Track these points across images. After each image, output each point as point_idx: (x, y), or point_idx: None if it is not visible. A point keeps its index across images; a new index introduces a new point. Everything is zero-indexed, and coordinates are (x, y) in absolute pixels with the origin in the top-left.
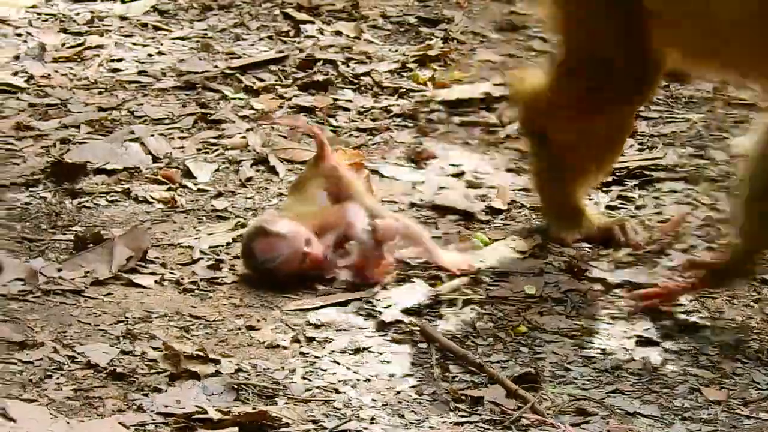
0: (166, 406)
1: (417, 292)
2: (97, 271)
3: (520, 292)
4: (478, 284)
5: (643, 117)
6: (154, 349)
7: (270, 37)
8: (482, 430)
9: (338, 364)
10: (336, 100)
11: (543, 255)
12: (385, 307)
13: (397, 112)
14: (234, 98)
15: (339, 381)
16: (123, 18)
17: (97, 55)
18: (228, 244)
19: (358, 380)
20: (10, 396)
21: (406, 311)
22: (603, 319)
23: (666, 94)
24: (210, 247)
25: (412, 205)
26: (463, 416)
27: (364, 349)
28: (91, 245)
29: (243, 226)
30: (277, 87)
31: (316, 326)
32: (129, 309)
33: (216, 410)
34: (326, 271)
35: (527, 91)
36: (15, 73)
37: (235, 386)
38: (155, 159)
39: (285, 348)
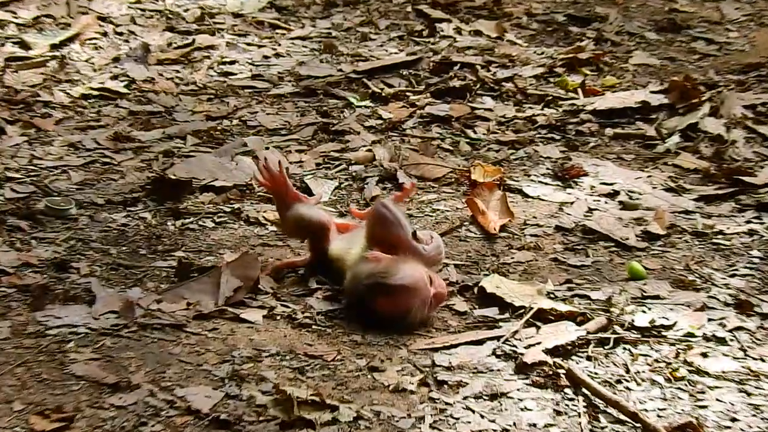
0: None
1: (562, 330)
2: (201, 303)
3: (679, 330)
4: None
5: None
6: (264, 393)
7: (401, 38)
8: None
9: (472, 411)
10: (474, 108)
11: (705, 287)
12: (526, 347)
13: (542, 123)
14: (359, 106)
15: (473, 431)
16: (236, 15)
17: (207, 57)
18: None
19: (495, 430)
20: None
21: (550, 351)
22: None
23: None
24: (329, 280)
25: (559, 228)
26: None
27: (502, 394)
28: (196, 273)
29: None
30: (408, 93)
31: (448, 368)
32: (236, 347)
33: None
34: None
35: None
36: (115, 77)
37: None
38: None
39: (412, 392)
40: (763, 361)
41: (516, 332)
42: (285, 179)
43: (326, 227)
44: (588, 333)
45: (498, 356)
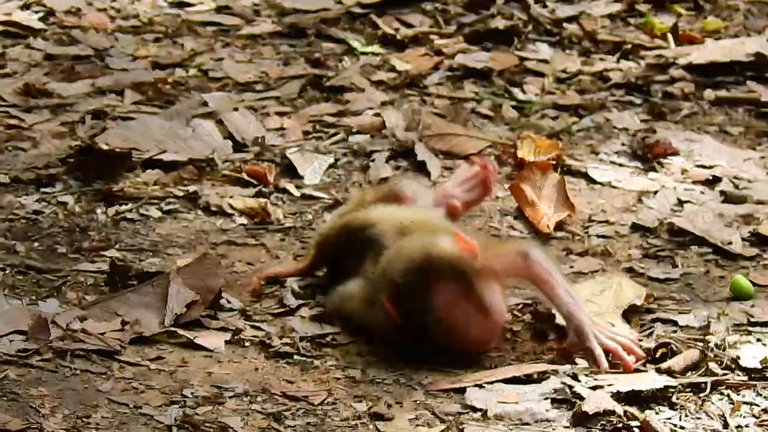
0: None
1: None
2: (141, 322)
3: None
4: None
5: None
6: None
7: None
8: None
9: None
10: (524, 59)
11: None
12: (589, 389)
13: (617, 81)
14: (364, 53)
15: None
16: None
17: None
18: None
19: None
20: None
21: (622, 397)
22: None
23: None
24: (319, 292)
25: (636, 227)
26: None
27: None
28: (134, 282)
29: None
30: (432, 36)
31: (478, 417)
32: (189, 383)
33: None
34: None
35: None
36: (26, 6)
37: None
38: (238, 147)
39: None
40: None
41: (573, 368)
42: None
43: None
44: (674, 373)
45: (550, 400)
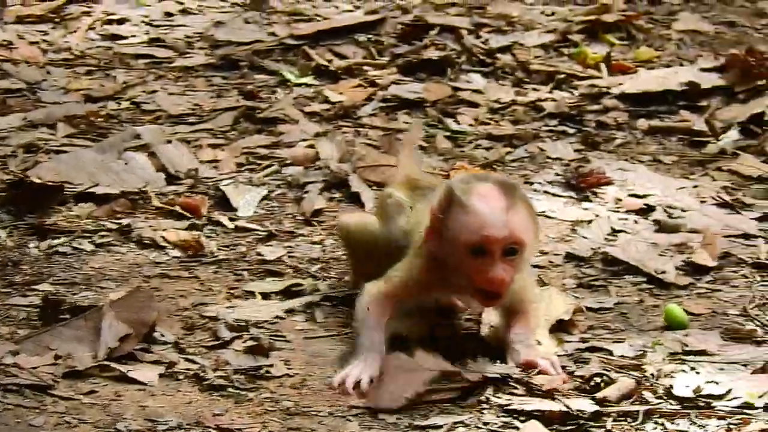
0: None
1: (570, 397)
2: (74, 356)
3: (732, 399)
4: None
5: None
6: None
7: None
8: None
9: None
10: (457, 90)
11: None
12: (523, 416)
13: (551, 111)
14: (298, 84)
15: None
16: None
17: (87, 14)
18: (281, 317)
19: None
20: None
21: (551, 422)
22: None
23: None
24: (252, 322)
25: (571, 257)
26: None
27: None
28: (67, 315)
29: (311, 288)
30: (366, 67)
31: None
32: (122, 416)
33: None
34: None
35: None
36: None
37: None
38: (171, 179)
39: None
40: None
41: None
42: None
43: None
44: (608, 402)
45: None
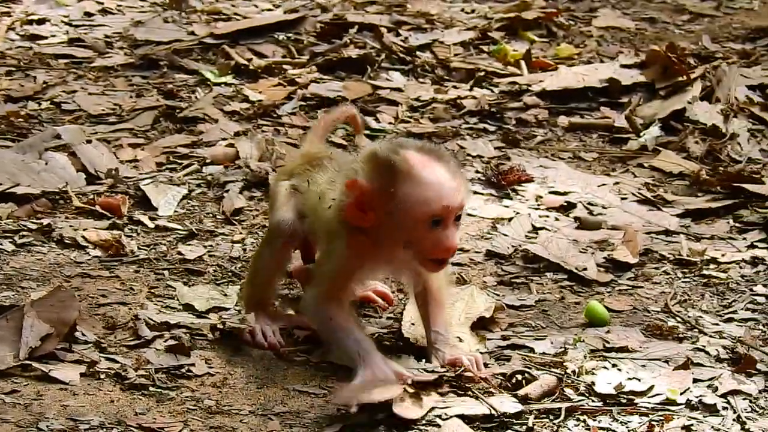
0: None
1: (493, 395)
2: None
3: (654, 396)
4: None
5: None
6: None
7: None
8: None
9: None
10: (377, 88)
11: (691, 336)
12: (441, 418)
13: (471, 109)
14: (218, 83)
15: None
16: None
17: (6, 14)
18: (202, 314)
19: None
20: None
21: (474, 420)
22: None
23: None
24: (172, 323)
25: (491, 254)
26: None
27: None
28: None
29: (229, 283)
30: (285, 66)
31: None
32: (44, 416)
33: None
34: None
35: None
36: None
37: None
38: (92, 179)
39: None
40: None
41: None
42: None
43: None
44: (530, 399)
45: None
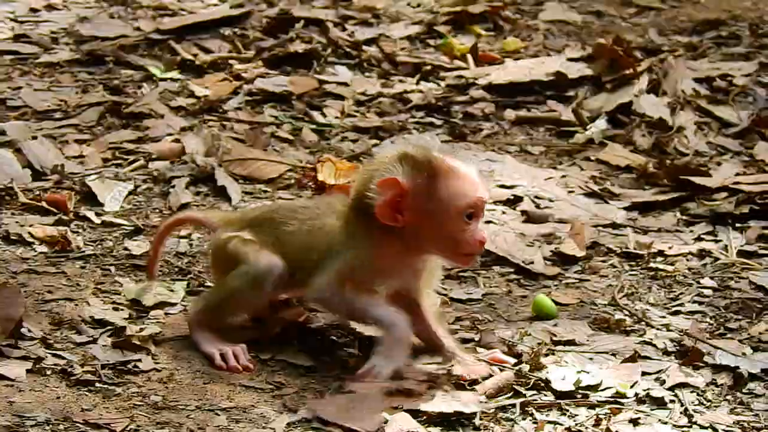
0: None
1: (443, 390)
2: None
3: (602, 390)
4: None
5: None
6: None
7: None
8: None
9: None
10: (323, 83)
11: (639, 329)
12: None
13: (418, 103)
14: (163, 79)
15: None
16: None
17: None
18: (148, 310)
19: None
20: None
21: (424, 418)
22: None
23: None
24: (118, 318)
25: None
26: None
27: None
28: None
29: (174, 281)
30: (231, 61)
31: None
32: None
33: None
34: None
35: None
36: None
37: None
38: (38, 175)
39: None
40: (714, 430)
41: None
42: None
43: None
44: (475, 392)
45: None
